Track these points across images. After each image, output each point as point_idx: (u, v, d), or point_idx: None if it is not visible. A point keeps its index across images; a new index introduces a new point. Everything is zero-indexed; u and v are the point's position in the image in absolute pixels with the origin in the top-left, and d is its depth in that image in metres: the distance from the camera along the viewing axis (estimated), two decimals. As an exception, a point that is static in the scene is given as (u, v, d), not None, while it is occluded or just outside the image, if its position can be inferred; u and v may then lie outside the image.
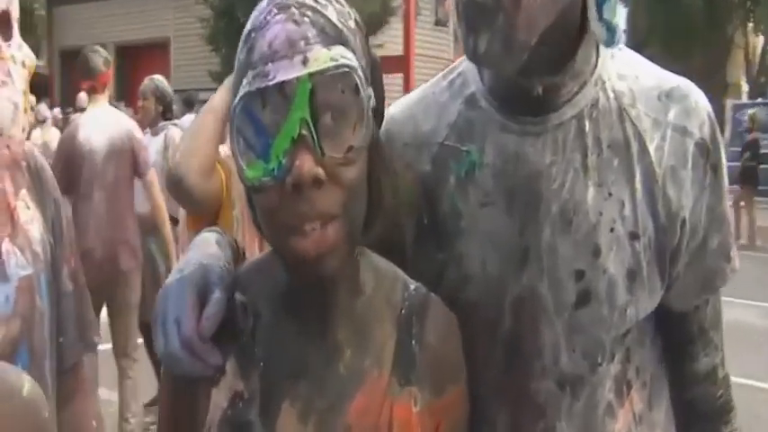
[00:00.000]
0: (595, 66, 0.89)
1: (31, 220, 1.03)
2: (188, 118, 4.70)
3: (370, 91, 0.75)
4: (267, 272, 0.83)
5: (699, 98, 0.88)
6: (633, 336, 0.89)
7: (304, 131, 0.70)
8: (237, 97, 0.72)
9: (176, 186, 1.73)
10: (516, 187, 0.87)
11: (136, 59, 15.16)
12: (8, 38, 0.96)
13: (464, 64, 0.95)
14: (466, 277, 0.89)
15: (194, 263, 0.79)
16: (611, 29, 0.82)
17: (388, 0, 12.07)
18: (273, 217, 0.74)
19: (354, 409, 0.80)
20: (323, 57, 0.71)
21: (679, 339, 0.93)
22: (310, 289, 0.79)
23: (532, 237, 0.87)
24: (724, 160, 0.89)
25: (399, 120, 0.95)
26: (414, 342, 0.83)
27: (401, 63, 9.82)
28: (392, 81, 11.38)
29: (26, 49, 0.98)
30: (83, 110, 4.27)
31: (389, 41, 11.57)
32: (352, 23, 0.76)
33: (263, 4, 0.75)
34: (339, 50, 0.72)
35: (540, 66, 0.82)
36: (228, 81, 1.64)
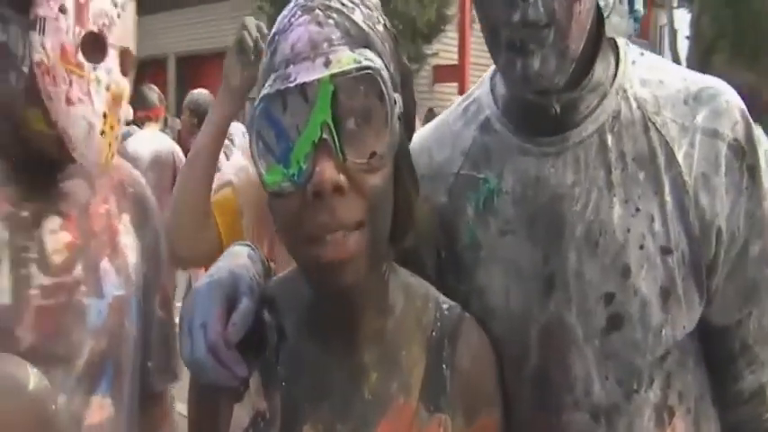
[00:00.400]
0: (615, 75, 0.84)
1: (129, 245, 1.09)
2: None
3: (397, 97, 0.72)
4: (293, 289, 0.81)
5: (730, 97, 0.82)
6: (674, 357, 0.83)
7: (326, 135, 0.68)
8: (258, 99, 0.70)
9: (169, 250, 1.64)
10: (538, 212, 0.84)
11: (196, 70, 15.59)
12: (98, 60, 0.98)
13: (478, 90, 0.94)
14: (489, 310, 0.85)
15: (225, 270, 0.79)
16: (638, 19, 0.82)
17: (444, 8, 12.01)
18: (293, 225, 0.71)
19: None
20: (346, 59, 0.69)
21: (721, 357, 0.87)
22: (336, 306, 0.76)
23: (557, 263, 0.83)
24: (764, 161, 0.83)
25: (415, 151, 0.88)
26: (445, 366, 0.80)
27: (456, 72, 9.83)
28: (447, 90, 11.32)
29: (116, 76, 0.99)
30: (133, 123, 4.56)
31: (444, 50, 11.58)
32: (380, 27, 0.73)
33: (288, 9, 0.73)
34: (364, 53, 0.69)
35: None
36: (220, 96, 1.60)
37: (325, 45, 0.69)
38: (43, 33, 0.98)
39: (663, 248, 0.81)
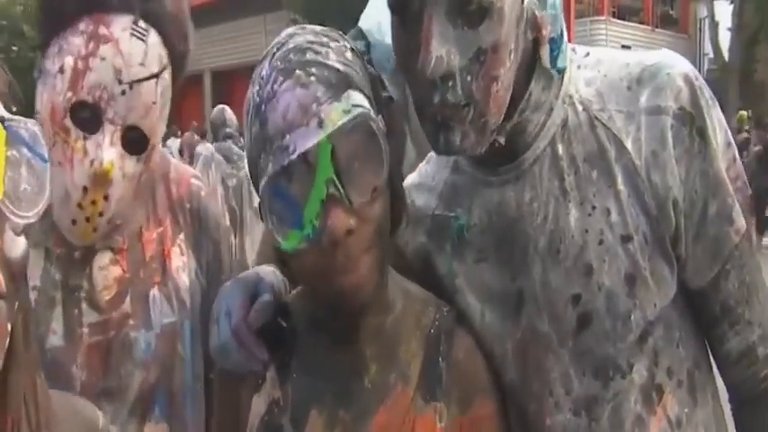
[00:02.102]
0: (560, 86, 0.87)
1: (183, 266, 1.09)
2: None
3: (381, 121, 0.77)
4: (303, 298, 0.90)
5: (673, 68, 0.84)
6: (658, 335, 0.85)
7: (332, 190, 0.74)
8: (265, 178, 0.75)
9: None
10: (504, 236, 0.89)
11: (230, 84, 15.75)
12: (90, 131, 0.95)
13: None
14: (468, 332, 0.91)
15: (251, 272, 0.90)
16: (560, 71, 0.85)
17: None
18: (314, 272, 0.78)
19: (377, 423, 0.84)
20: (336, 114, 0.74)
21: (705, 322, 0.88)
22: (340, 309, 0.82)
23: (524, 278, 0.87)
24: (713, 122, 0.84)
25: None
26: (441, 359, 0.87)
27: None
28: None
29: (106, 154, 0.95)
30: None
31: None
32: (349, 55, 0.79)
33: (265, 72, 0.77)
34: (349, 98, 0.75)
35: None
36: None
37: (314, 106, 0.74)
38: (43, 85, 0.97)
39: (623, 237, 0.84)
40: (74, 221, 0.96)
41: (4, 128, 0.60)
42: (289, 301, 0.89)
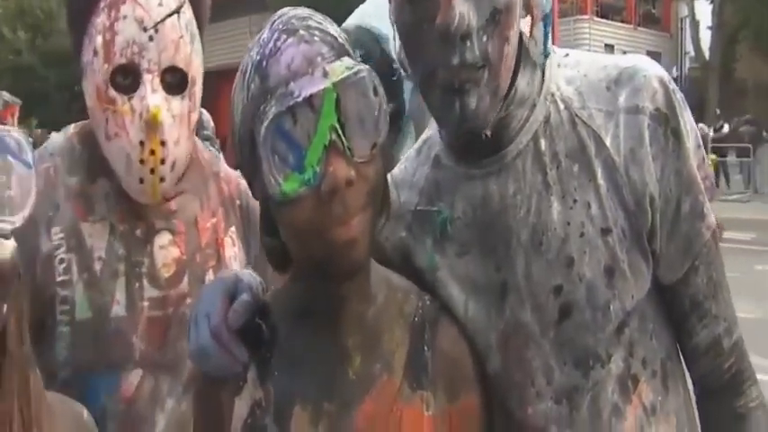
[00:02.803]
0: (542, 83, 0.90)
1: (234, 256, 1.16)
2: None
3: (382, 90, 0.79)
4: (282, 296, 0.90)
5: (648, 71, 0.88)
6: (633, 327, 0.88)
7: (334, 137, 0.75)
8: (267, 120, 0.75)
9: None
10: (487, 228, 0.90)
11: (214, 85, 15.61)
12: (132, 90, 1.02)
13: (429, 131, 1.01)
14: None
15: (229, 273, 0.91)
16: (547, 55, 0.88)
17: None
18: (305, 224, 0.77)
19: (363, 413, 0.84)
20: (339, 68, 0.76)
21: (675, 317, 0.91)
22: (322, 297, 0.84)
23: (508, 270, 0.89)
24: (686, 123, 0.88)
25: None
26: (426, 348, 0.87)
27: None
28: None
29: (150, 100, 1.02)
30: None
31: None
32: (344, 36, 0.82)
33: (265, 36, 0.79)
34: (349, 61, 0.78)
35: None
36: None
37: (319, 59, 0.76)
38: (86, 78, 1.06)
39: (602, 230, 0.87)
40: (141, 180, 1.03)
41: None
42: (267, 300, 0.89)
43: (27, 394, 0.73)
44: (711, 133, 12.91)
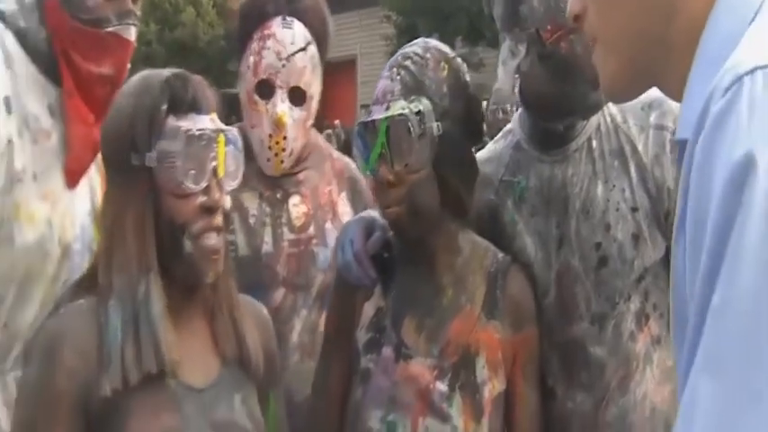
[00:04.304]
0: None
1: (345, 213, 1.59)
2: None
3: (434, 125, 1.15)
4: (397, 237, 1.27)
5: (672, 101, 1.07)
6: (649, 280, 1.24)
7: (383, 151, 1.15)
8: (357, 124, 1.21)
9: None
10: (552, 198, 1.27)
11: (326, 77, 16.05)
12: (268, 97, 1.49)
13: (512, 124, 1.37)
14: (524, 263, 1.28)
15: (367, 213, 1.32)
16: None
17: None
18: (375, 196, 1.27)
19: (452, 329, 1.18)
20: (395, 106, 1.15)
21: None
22: (417, 247, 1.22)
23: (565, 227, 1.25)
24: None
25: None
26: (498, 291, 1.21)
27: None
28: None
29: (279, 107, 1.48)
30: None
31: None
32: (442, 73, 1.18)
33: (389, 61, 1.22)
34: (412, 101, 1.15)
35: (566, 109, 1.21)
36: None
37: (389, 96, 1.17)
38: (241, 83, 1.55)
39: (632, 208, 1.23)
40: (268, 159, 1.51)
41: (223, 134, 1.03)
42: (391, 239, 1.24)
43: (230, 290, 1.09)
44: None
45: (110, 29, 1.30)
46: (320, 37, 1.53)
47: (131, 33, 1.34)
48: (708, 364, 0.48)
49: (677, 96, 0.62)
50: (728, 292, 0.47)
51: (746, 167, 0.48)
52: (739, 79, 0.51)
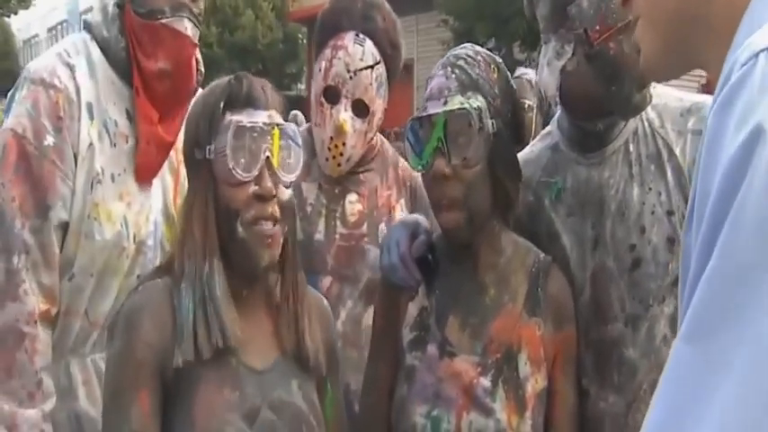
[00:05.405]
0: None
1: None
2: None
3: (492, 122, 1.16)
4: (442, 242, 1.28)
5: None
6: None
7: (439, 145, 1.15)
8: (412, 119, 1.20)
9: None
10: (588, 199, 1.28)
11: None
12: (334, 103, 1.57)
13: (551, 126, 1.38)
14: (559, 263, 1.27)
15: (412, 217, 1.35)
16: None
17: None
18: (428, 193, 1.23)
19: (495, 327, 1.21)
20: (455, 102, 1.16)
21: None
22: (463, 247, 1.23)
23: (600, 228, 1.26)
24: None
25: None
26: (539, 290, 1.23)
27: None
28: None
29: (342, 115, 1.54)
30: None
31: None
32: (493, 75, 1.20)
33: (441, 61, 1.23)
34: (471, 96, 1.16)
35: (603, 109, 1.20)
36: None
37: (446, 92, 1.18)
38: (313, 83, 1.61)
39: (668, 212, 1.23)
40: (327, 159, 1.58)
41: (279, 128, 1.08)
42: (435, 241, 1.28)
43: (297, 281, 1.17)
44: None
45: (163, 20, 1.37)
46: (389, 58, 1.60)
47: (185, 26, 1.39)
48: (688, 330, 0.48)
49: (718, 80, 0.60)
50: (721, 261, 0.46)
51: (755, 139, 0.47)
52: (755, 55, 0.50)
